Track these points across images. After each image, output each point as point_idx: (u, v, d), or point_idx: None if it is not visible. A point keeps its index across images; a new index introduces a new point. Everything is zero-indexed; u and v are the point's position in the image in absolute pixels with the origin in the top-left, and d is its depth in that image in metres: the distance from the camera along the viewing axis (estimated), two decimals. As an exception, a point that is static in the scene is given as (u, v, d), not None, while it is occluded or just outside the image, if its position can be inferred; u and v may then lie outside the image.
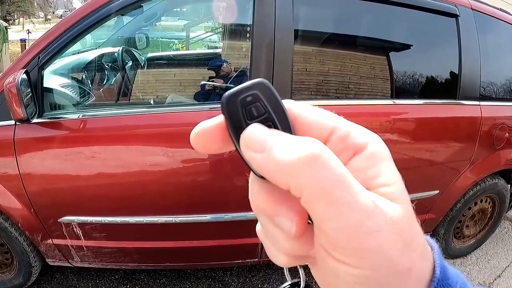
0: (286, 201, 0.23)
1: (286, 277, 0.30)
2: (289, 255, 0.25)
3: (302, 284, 0.29)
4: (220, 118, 0.24)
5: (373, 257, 0.22)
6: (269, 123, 0.23)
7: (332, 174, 0.21)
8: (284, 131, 0.23)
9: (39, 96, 1.68)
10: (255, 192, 0.25)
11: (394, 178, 0.24)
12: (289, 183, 0.22)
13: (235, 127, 0.23)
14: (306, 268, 0.28)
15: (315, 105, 0.25)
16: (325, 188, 0.21)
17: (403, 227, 0.23)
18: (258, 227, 0.27)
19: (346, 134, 0.24)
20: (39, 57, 1.69)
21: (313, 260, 0.25)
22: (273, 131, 0.23)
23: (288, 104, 0.24)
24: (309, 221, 0.24)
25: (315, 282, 0.27)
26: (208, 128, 0.24)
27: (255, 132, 0.23)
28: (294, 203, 0.23)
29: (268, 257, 0.27)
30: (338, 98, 2.01)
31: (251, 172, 0.24)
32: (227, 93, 0.23)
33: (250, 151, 0.23)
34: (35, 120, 1.66)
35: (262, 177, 0.23)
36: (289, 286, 0.30)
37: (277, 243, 0.25)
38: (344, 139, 0.24)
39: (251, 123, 0.23)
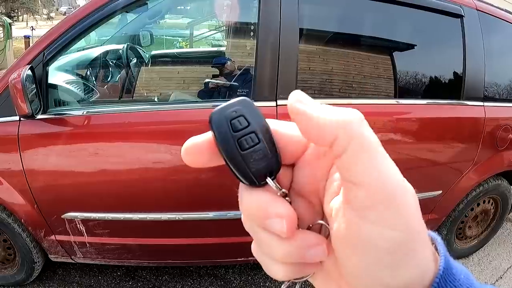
0: (275, 203, 0.25)
1: None
2: (285, 263, 0.26)
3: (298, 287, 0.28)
4: (208, 135, 0.25)
5: (406, 216, 0.23)
6: (252, 133, 0.24)
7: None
8: (264, 140, 0.25)
9: (43, 92, 1.68)
10: (246, 199, 0.26)
11: None
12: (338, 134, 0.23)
13: (223, 140, 0.24)
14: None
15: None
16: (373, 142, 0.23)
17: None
18: (253, 246, 0.28)
19: None
20: (44, 54, 1.70)
21: (309, 268, 0.26)
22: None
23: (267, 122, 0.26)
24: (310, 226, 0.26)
25: None
26: (198, 143, 0.26)
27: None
28: (283, 205, 0.24)
29: None
30: (341, 97, 2.01)
31: (240, 183, 0.26)
32: (213, 110, 0.25)
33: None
34: (39, 116, 1.66)
35: (250, 185, 0.25)
36: None
37: (272, 251, 0.26)
38: None
39: (236, 135, 0.24)
